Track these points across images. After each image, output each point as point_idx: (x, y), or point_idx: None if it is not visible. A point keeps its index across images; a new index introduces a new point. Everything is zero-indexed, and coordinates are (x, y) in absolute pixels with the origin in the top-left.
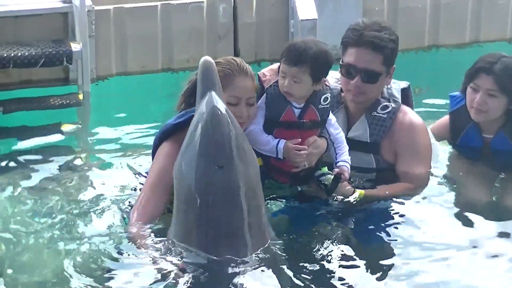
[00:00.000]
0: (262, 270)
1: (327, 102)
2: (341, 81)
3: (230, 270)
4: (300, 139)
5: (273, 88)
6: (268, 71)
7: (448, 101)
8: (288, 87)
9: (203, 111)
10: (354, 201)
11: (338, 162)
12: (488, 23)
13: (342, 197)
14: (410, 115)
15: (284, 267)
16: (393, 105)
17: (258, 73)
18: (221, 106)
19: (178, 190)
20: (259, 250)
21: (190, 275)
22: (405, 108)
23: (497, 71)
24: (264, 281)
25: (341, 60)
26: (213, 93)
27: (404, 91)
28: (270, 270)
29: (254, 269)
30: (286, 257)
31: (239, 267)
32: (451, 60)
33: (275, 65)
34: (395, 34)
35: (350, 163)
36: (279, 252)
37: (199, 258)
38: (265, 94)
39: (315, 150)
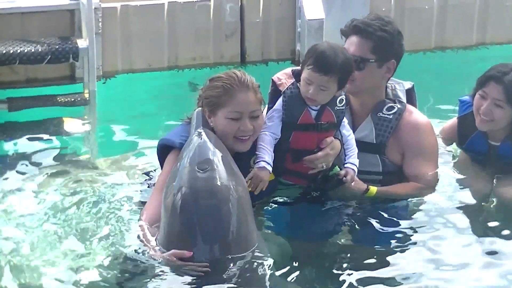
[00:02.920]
0: (245, 277)
1: (343, 103)
2: None
3: (210, 277)
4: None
5: (290, 91)
6: (282, 75)
7: (454, 103)
8: (313, 94)
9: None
10: (366, 197)
11: (345, 164)
12: (495, 25)
13: (356, 192)
14: (416, 114)
15: (270, 272)
16: (399, 106)
17: (272, 77)
18: (207, 131)
19: (164, 198)
20: (243, 256)
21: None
22: (410, 107)
23: (507, 81)
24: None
25: None
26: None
27: (408, 92)
28: (254, 275)
29: (236, 276)
30: (273, 262)
31: (220, 274)
32: (457, 61)
33: (288, 69)
34: (392, 25)
35: (357, 166)
36: (264, 258)
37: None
38: (281, 97)
39: (332, 151)
